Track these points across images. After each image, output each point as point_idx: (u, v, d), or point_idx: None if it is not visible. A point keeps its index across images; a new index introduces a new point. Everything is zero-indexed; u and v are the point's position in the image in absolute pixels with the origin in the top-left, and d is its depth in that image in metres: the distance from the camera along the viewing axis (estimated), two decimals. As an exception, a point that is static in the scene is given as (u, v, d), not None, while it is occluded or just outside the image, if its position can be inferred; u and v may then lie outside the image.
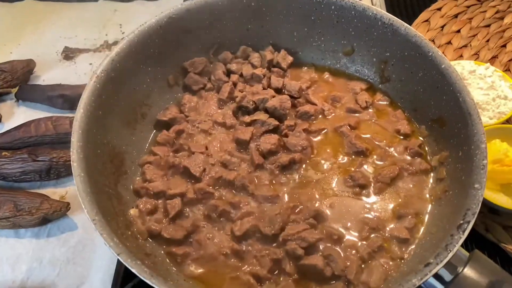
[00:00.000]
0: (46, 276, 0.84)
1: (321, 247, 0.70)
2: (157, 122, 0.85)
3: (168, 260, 0.69)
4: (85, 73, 1.16)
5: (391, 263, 0.69)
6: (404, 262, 0.69)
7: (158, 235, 0.71)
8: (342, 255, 0.69)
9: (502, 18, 1.20)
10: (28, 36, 1.25)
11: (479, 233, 0.86)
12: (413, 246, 0.71)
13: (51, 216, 0.87)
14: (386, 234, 0.72)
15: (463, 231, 0.57)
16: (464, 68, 1.02)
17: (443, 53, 1.13)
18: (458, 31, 1.19)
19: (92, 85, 0.70)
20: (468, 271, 0.56)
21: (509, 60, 1.11)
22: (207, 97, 0.89)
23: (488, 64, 1.02)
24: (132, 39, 0.77)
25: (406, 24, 0.79)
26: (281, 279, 0.68)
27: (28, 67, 1.12)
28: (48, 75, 1.17)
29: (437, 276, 0.58)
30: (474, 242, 0.87)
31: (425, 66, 0.77)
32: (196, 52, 0.88)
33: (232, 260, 0.70)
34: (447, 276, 0.57)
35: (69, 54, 1.20)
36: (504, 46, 1.14)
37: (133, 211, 0.73)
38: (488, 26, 1.19)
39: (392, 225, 0.73)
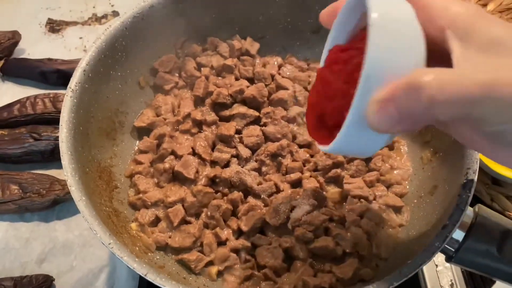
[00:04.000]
0: (63, 260, 0.80)
1: (327, 228, 0.71)
2: (137, 129, 0.81)
3: (182, 269, 0.67)
4: (75, 47, 1.10)
5: (391, 230, 0.72)
6: (405, 228, 0.72)
7: (166, 245, 0.69)
8: (349, 233, 0.71)
9: (485, 5, 1.21)
10: (3, 6, 1.15)
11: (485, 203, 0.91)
12: (408, 212, 0.74)
13: (63, 197, 0.81)
14: (382, 206, 0.74)
15: (469, 189, 0.60)
16: None
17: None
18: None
19: (70, 100, 0.65)
20: (478, 225, 0.60)
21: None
22: (181, 96, 0.86)
23: None
24: (100, 45, 0.72)
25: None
26: (298, 265, 0.68)
27: (13, 39, 1.02)
28: (34, 48, 1.08)
29: (450, 236, 0.60)
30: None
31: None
32: (163, 49, 0.84)
33: (246, 256, 0.69)
34: (460, 234, 0.60)
35: (54, 26, 1.12)
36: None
37: (134, 226, 0.70)
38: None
39: (383, 196, 0.75)
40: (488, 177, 0.94)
